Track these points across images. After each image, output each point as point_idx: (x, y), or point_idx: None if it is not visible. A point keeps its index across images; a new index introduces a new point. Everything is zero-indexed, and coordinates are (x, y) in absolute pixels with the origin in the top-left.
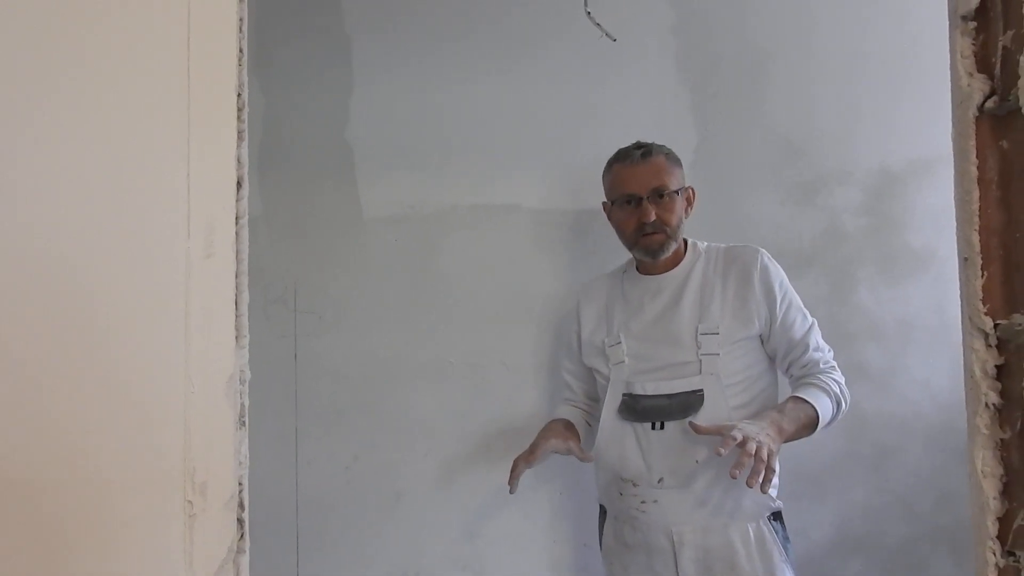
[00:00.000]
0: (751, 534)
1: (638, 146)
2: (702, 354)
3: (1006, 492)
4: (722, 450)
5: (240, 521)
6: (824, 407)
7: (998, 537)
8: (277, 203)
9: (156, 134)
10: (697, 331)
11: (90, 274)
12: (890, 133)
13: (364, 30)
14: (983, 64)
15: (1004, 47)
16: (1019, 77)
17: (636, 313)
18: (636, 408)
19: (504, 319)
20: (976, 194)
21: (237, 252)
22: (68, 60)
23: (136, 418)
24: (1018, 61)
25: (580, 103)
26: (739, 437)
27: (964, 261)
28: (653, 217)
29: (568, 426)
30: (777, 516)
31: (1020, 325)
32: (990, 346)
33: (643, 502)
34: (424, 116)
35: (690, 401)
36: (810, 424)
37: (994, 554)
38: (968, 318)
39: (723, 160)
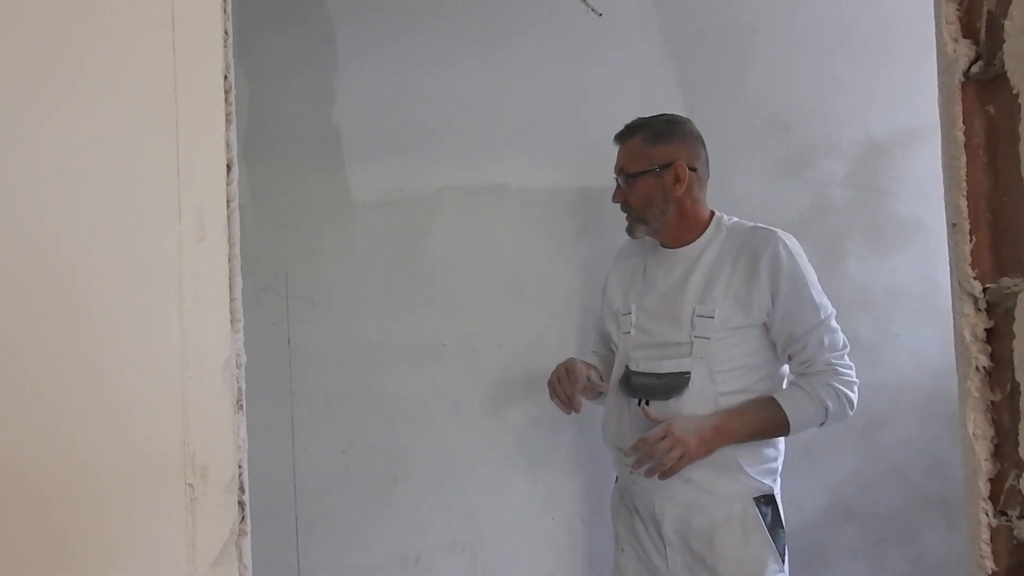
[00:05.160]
0: (735, 515)
1: (625, 126)
2: (695, 336)
3: (997, 453)
4: (633, 456)
5: (241, 504)
6: (801, 413)
7: (990, 497)
8: (265, 190)
9: (143, 117)
10: (694, 312)
11: (82, 259)
12: (874, 104)
13: (348, 14)
14: (968, 29)
15: (989, 12)
16: (1004, 41)
17: (650, 285)
18: (630, 383)
19: (495, 299)
20: (963, 160)
21: (229, 236)
22: (54, 46)
23: (134, 403)
24: (1003, 25)
25: (566, 81)
26: (656, 437)
27: (952, 227)
28: (617, 199)
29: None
30: (768, 500)
31: (1008, 288)
32: (979, 310)
33: (632, 472)
34: (410, 99)
35: (676, 383)
36: (777, 429)
37: (987, 514)
38: (957, 283)
39: (710, 135)
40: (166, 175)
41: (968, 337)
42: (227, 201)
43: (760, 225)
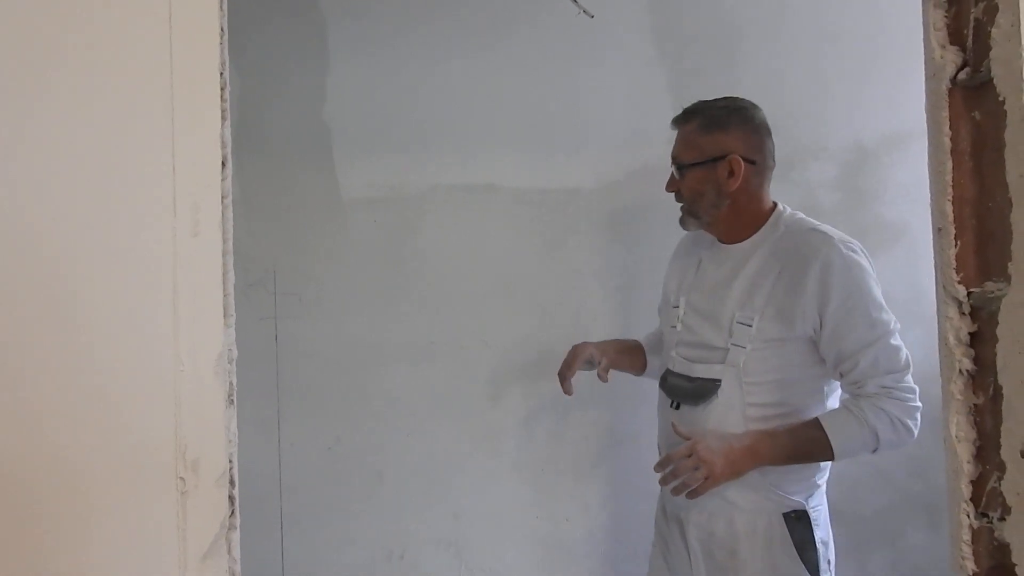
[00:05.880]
0: (760, 529)
1: (683, 110)
2: (732, 343)
3: (979, 456)
4: (658, 471)
5: (231, 498)
6: (847, 438)
7: (972, 499)
8: (255, 185)
9: (140, 112)
10: (734, 318)
11: (78, 253)
12: (863, 109)
13: (340, 11)
14: (955, 36)
15: (976, 19)
16: (991, 48)
17: (700, 281)
18: (667, 383)
19: (484, 298)
20: (949, 165)
21: (223, 231)
22: (53, 41)
23: (127, 396)
24: (990, 33)
25: (558, 82)
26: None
27: (938, 231)
28: (670, 188)
29: (611, 344)
30: (800, 516)
31: (992, 293)
32: (964, 314)
33: (661, 486)
34: (402, 97)
35: (706, 389)
36: (819, 453)
37: (968, 516)
38: (942, 287)
39: None
40: (162, 170)
41: (952, 340)
42: (221, 197)
43: (819, 228)
